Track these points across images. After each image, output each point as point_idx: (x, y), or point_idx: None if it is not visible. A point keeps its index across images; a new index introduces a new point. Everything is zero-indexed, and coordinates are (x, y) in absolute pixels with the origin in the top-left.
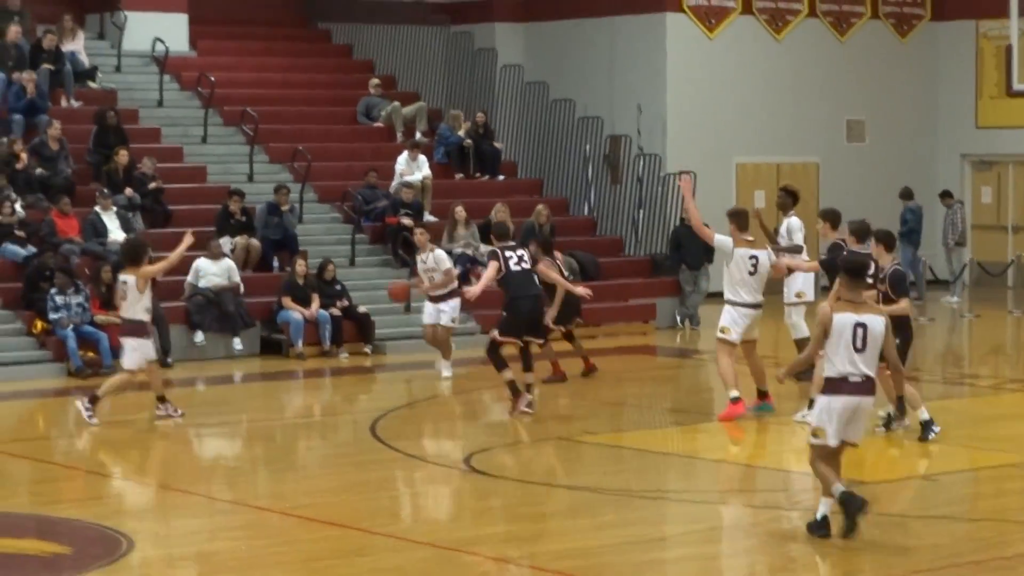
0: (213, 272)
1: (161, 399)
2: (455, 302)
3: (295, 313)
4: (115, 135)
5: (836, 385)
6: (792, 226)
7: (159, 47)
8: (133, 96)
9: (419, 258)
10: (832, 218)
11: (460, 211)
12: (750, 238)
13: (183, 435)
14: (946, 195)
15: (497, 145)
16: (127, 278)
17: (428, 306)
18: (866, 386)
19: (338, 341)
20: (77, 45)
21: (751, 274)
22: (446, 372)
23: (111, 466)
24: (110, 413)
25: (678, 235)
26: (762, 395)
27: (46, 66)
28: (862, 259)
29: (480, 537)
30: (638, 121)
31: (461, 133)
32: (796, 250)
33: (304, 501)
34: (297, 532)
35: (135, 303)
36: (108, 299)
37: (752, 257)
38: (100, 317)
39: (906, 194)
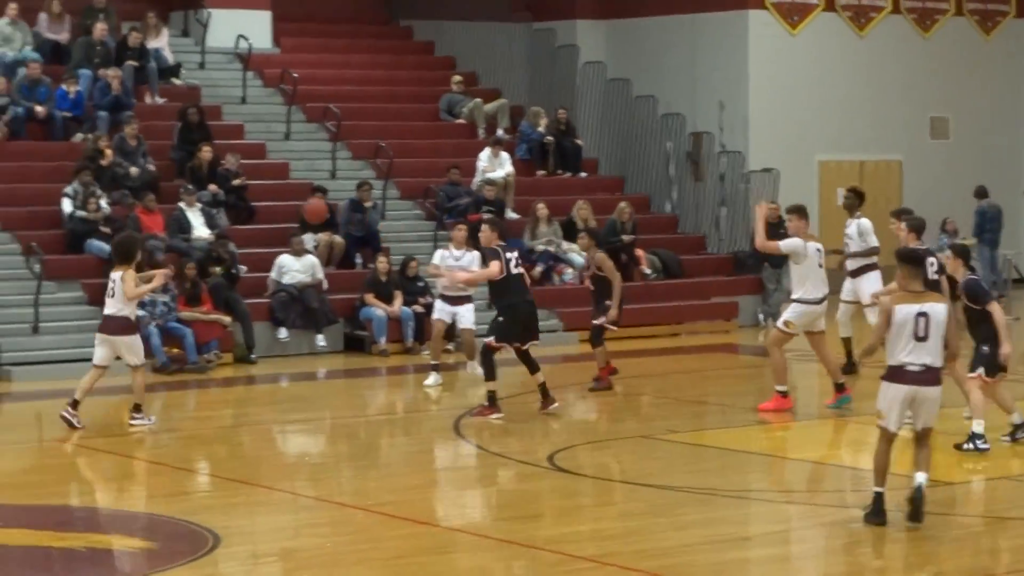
0: (296, 268)
1: (137, 407)
2: (472, 306)
3: (378, 310)
4: (198, 132)
5: (894, 373)
6: (864, 227)
7: (242, 44)
8: (216, 93)
9: (452, 253)
10: (917, 227)
11: (542, 208)
12: (811, 232)
13: (267, 432)
14: None
15: (579, 142)
16: (116, 276)
17: (440, 303)
18: (925, 376)
19: (421, 338)
20: (161, 42)
21: (820, 266)
22: (476, 370)
23: (196, 462)
24: (194, 409)
25: None
26: (839, 388)
27: (131, 63)
28: (919, 250)
29: (563, 535)
30: (720, 118)
31: (542, 130)
32: (872, 252)
33: (387, 498)
34: (380, 529)
35: (124, 301)
36: (192, 295)
37: (818, 250)
38: (185, 313)
39: (980, 192)
